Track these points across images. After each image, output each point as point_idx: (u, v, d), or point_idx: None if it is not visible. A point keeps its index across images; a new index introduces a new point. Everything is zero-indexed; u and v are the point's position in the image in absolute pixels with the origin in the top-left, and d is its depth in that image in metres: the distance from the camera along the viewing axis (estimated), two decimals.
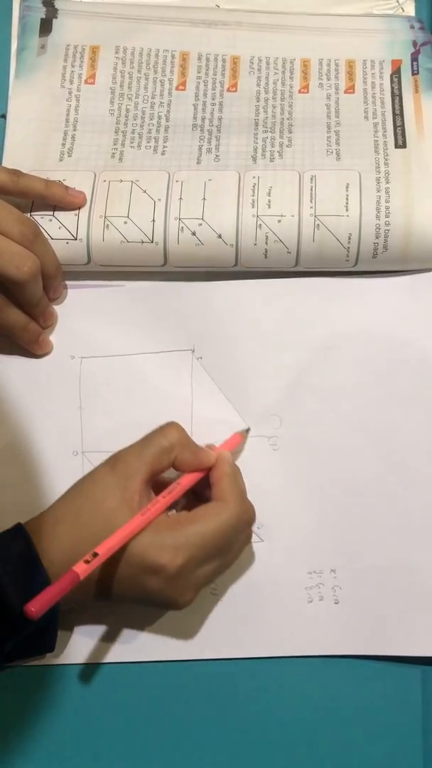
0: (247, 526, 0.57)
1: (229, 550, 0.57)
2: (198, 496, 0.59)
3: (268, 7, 0.73)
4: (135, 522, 0.53)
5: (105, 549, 0.51)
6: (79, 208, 0.64)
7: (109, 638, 0.60)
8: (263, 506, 0.61)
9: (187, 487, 0.57)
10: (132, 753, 0.58)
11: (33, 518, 0.56)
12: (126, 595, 0.54)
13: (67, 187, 0.64)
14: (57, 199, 0.64)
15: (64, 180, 0.65)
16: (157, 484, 0.57)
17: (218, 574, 0.58)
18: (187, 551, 0.53)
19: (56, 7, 0.73)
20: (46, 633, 0.55)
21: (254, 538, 0.61)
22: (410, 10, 0.74)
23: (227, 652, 0.60)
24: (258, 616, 0.60)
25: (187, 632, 0.60)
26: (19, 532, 0.54)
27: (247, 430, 0.63)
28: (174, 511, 0.59)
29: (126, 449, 0.57)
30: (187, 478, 0.57)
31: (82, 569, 0.50)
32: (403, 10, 0.73)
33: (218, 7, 0.74)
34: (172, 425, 0.58)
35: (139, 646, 0.60)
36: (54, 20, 0.72)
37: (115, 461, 0.56)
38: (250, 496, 0.60)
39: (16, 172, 0.63)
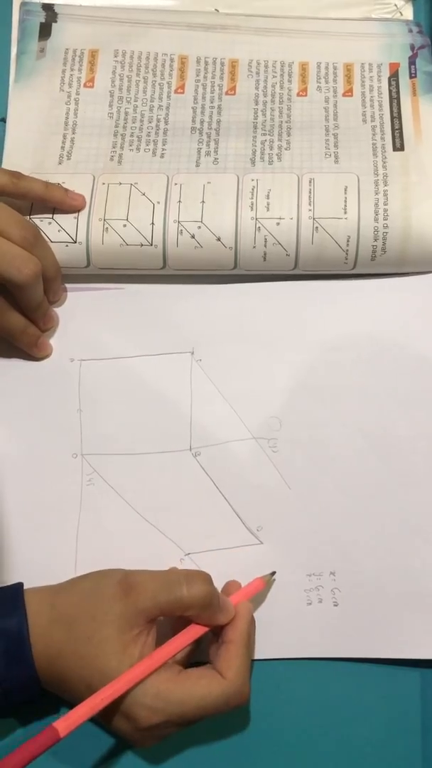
0: (234, 709, 0.53)
1: (205, 717, 0.53)
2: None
3: (266, 10, 0.73)
4: (125, 680, 0.51)
5: (89, 710, 0.50)
6: (79, 211, 0.64)
7: None
8: (262, 508, 0.61)
9: (189, 641, 0.54)
10: (131, 755, 0.58)
11: (29, 601, 0.54)
12: (96, 717, 0.52)
13: (66, 190, 0.64)
14: (57, 202, 0.64)
15: (63, 183, 0.65)
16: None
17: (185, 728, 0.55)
18: (162, 715, 0.51)
19: (56, 11, 0.73)
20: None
21: (253, 540, 0.61)
22: (408, 14, 0.74)
23: None
24: (257, 618, 0.59)
25: None
26: (17, 608, 0.53)
27: (273, 574, 0.60)
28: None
29: (144, 579, 0.53)
30: (192, 630, 0.55)
31: (64, 728, 0.49)
32: (402, 14, 0.74)
33: (217, 11, 0.74)
34: (201, 579, 0.54)
35: None
36: (53, 24, 0.72)
37: (128, 589, 0.53)
38: (249, 499, 0.61)
39: (16, 174, 0.63)
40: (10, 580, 0.57)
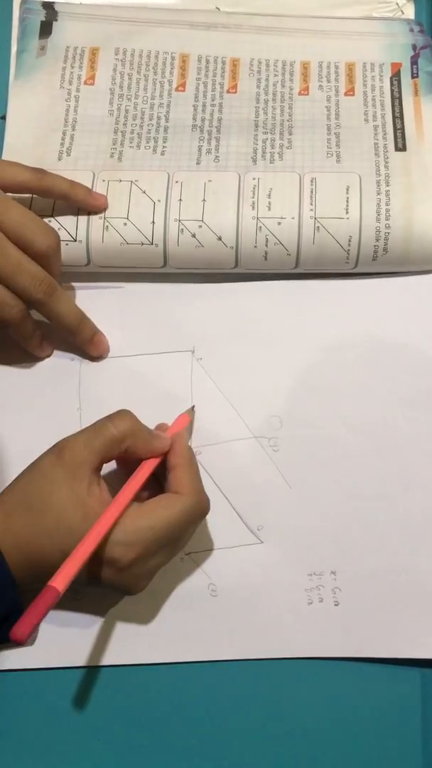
0: (200, 518, 0.57)
1: (181, 538, 0.57)
2: (158, 478, 0.59)
3: (268, 9, 0.73)
4: (99, 529, 0.52)
5: (76, 562, 0.50)
6: (101, 212, 0.64)
7: (106, 641, 0.60)
8: (263, 507, 0.61)
9: (145, 477, 0.56)
10: (131, 756, 0.58)
11: None
12: (86, 582, 0.54)
13: (90, 190, 0.64)
14: (80, 200, 0.63)
15: None
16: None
17: (171, 558, 0.58)
18: (138, 546, 0.53)
19: (56, 9, 0.73)
20: (11, 622, 0.53)
21: (254, 539, 0.61)
22: (410, 13, 0.74)
23: (226, 654, 0.60)
24: (257, 617, 0.60)
25: (186, 634, 0.60)
26: None
27: (193, 409, 0.63)
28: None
29: (73, 437, 0.55)
30: (144, 468, 0.57)
31: (60, 584, 0.49)
32: (403, 13, 0.74)
33: (218, 9, 0.74)
34: (123, 414, 0.56)
35: (136, 649, 0.60)
36: (54, 23, 0.72)
37: (61, 450, 0.54)
38: (250, 498, 0.61)
39: (40, 171, 0.62)
40: None
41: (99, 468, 0.55)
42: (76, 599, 0.60)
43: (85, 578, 0.53)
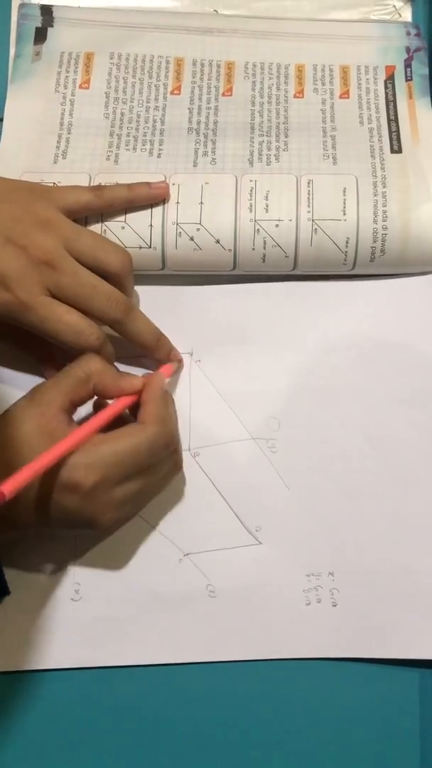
0: (165, 447, 0.57)
1: (150, 472, 0.57)
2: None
3: (266, 11, 0.74)
4: (62, 444, 0.52)
5: (30, 469, 0.50)
6: (165, 200, 0.64)
7: (104, 641, 0.59)
8: (261, 509, 0.61)
9: (115, 411, 0.57)
10: (130, 757, 0.58)
11: None
12: (52, 518, 0.54)
13: (148, 183, 0.64)
14: (143, 199, 0.64)
15: (59, 182, 0.65)
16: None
17: (143, 496, 0.59)
18: (100, 469, 0.53)
19: (54, 15, 0.73)
20: None
21: (252, 540, 0.61)
22: (407, 15, 0.74)
23: (224, 655, 0.59)
24: (255, 618, 0.60)
25: (184, 635, 0.60)
26: None
27: (180, 361, 0.64)
28: None
29: (44, 381, 0.57)
30: (115, 404, 0.58)
31: (8, 486, 0.48)
32: (400, 16, 0.74)
33: (216, 12, 0.74)
34: (89, 355, 0.58)
35: (134, 650, 0.59)
36: (49, 29, 0.72)
37: (32, 393, 0.56)
38: (248, 499, 0.61)
39: (98, 188, 0.63)
40: (11, 578, 0.57)
41: (69, 410, 0.56)
42: (74, 600, 0.60)
43: (49, 509, 0.53)
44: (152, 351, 0.63)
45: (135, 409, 0.59)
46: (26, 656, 0.59)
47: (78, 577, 0.60)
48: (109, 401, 0.59)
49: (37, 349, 0.63)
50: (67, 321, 0.58)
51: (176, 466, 0.61)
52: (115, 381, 0.57)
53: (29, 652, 0.59)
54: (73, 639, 0.59)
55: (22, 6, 0.73)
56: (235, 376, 0.64)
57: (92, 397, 0.57)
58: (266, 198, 0.64)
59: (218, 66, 0.72)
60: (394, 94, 0.70)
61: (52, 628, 0.59)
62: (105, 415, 0.56)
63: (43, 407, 0.55)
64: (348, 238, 0.63)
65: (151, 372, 0.63)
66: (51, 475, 0.52)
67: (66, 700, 0.59)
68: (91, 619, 0.60)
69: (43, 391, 0.56)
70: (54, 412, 0.55)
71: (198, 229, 0.63)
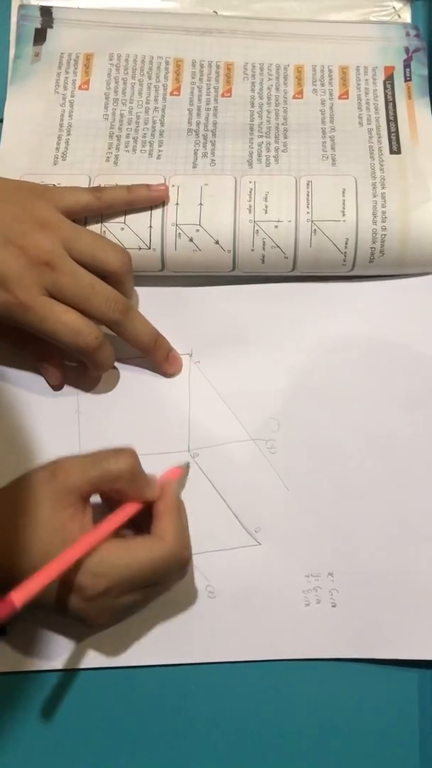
0: (178, 570, 0.57)
1: (157, 585, 0.57)
2: (137, 525, 0.58)
3: (265, 13, 0.74)
4: (74, 552, 0.51)
5: (42, 579, 0.50)
6: (165, 202, 0.64)
7: (104, 643, 0.59)
8: (261, 509, 0.61)
9: (128, 515, 0.56)
10: (129, 758, 0.58)
11: None
12: (47, 605, 0.53)
13: (148, 186, 0.64)
14: (143, 201, 0.64)
15: (58, 183, 0.65)
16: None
17: (142, 605, 0.58)
18: (109, 579, 0.52)
19: (53, 16, 0.73)
20: None
21: (251, 541, 0.61)
22: (407, 16, 0.74)
23: (224, 656, 0.59)
24: (255, 619, 0.60)
25: (184, 636, 0.60)
26: None
27: (187, 465, 0.62)
28: None
29: (71, 460, 0.55)
30: (129, 507, 0.56)
31: (19, 598, 0.48)
32: (400, 17, 0.74)
33: (216, 13, 0.74)
34: (127, 453, 0.56)
35: (134, 651, 0.59)
36: (48, 30, 0.72)
37: (54, 470, 0.54)
38: (247, 500, 0.61)
39: (97, 189, 0.63)
40: None
41: (88, 497, 0.55)
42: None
43: (53, 603, 0.53)
44: (150, 352, 0.63)
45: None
46: (26, 657, 0.59)
47: None
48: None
49: (36, 349, 0.63)
50: (65, 321, 0.58)
51: (183, 575, 0.60)
52: (141, 489, 0.56)
53: (29, 652, 0.59)
54: (73, 640, 0.59)
55: (21, 7, 0.74)
56: (235, 377, 0.64)
57: (112, 495, 0.56)
58: (265, 199, 0.64)
59: (217, 67, 0.72)
60: (393, 95, 0.70)
61: (52, 628, 0.59)
62: (120, 519, 0.55)
63: (64, 492, 0.53)
64: (347, 238, 0.63)
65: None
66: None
67: (66, 700, 0.59)
68: None
69: (67, 471, 0.54)
70: (73, 501, 0.53)
71: (197, 230, 0.63)
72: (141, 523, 0.57)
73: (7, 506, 0.54)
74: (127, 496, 0.56)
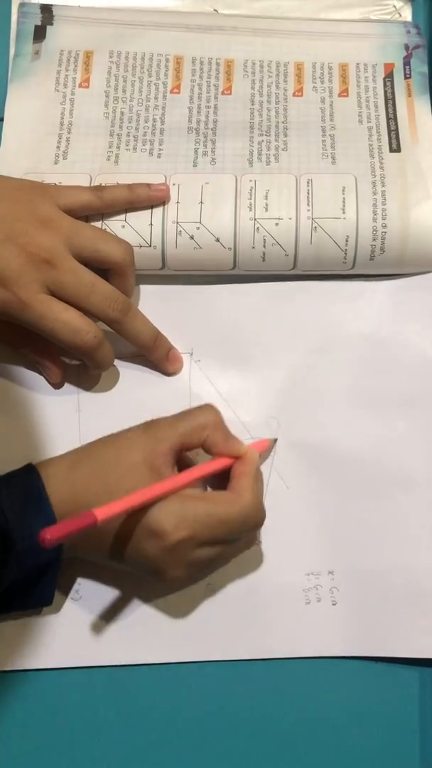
0: (255, 527, 0.57)
1: (231, 544, 0.57)
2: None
3: (266, 11, 0.74)
4: (161, 486, 0.53)
5: (126, 502, 0.51)
6: (165, 202, 0.64)
7: (103, 642, 0.59)
8: None
9: (214, 469, 0.57)
10: (129, 757, 0.58)
11: (48, 459, 0.57)
12: (126, 555, 0.54)
13: (149, 185, 0.64)
14: (144, 200, 0.64)
15: (60, 182, 0.65)
16: (181, 464, 0.57)
17: (215, 564, 0.59)
18: (191, 525, 0.53)
19: (53, 13, 0.73)
20: (45, 582, 0.55)
21: None
22: (407, 15, 0.74)
23: (224, 654, 0.59)
24: (255, 617, 0.60)
25: (184, 634, 0.60)
26: (30, 471, 0.54)
27: (275, 440, 0.63)
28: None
29: (161, 417, 0.57)
30: (215, 462, 0.57)
31: (102, 513, 0.49)
32: (400, 16, 0.74)
33: (216, 11, 0.74)
34: (210, 406, 0.58)
35: (135, 649, 0.59)
36: (48, 27, 0.72)
37: (148, 425, 0.57)
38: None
39: (98, 188, 0.63)
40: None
41: (178, 451, 0.56)
42: (74, 600, 0.60)
43: (126, 546, 0.54)
44: (150, 351, 0.63)
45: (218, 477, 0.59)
46: (26, 655, 0.59)
47: (78, 577, 0.60)
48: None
49: (34, 349, 0.63)
50: (64, 319, 0.58)
51: (251, 541, 0.61)
52: (225, 440, 0.57)
53: (29, 651, 0.59)
54: (73, 638, 0.59)
55: (22, 5, 0.73)
56: (235, 375, 0.64)
57: (200, 446, 0.57)
58: (266, 197, 0.64)
59: (217, 64, 0.72)
60: (393, 92, 0.70)
61: (52, 627, 0.59)
62: (207, 469, 0.57)
63: (156, 443, 0.55)
64: (348, 236, 0.63)
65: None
66: (140, 514, 0.53)
67: (66, 700, 0.59)
68: (91, 619, 0.60)
69: (159, 425, 0.56)
70: (164, 450, 0.55)
71: (198, 228, 0.63)
72: (219, 488, 0.59)
73: (95, 451, 0.56)
74: (214, 450, 0.57)
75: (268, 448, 0.62)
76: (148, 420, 0.57)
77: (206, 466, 0.57)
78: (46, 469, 0.54)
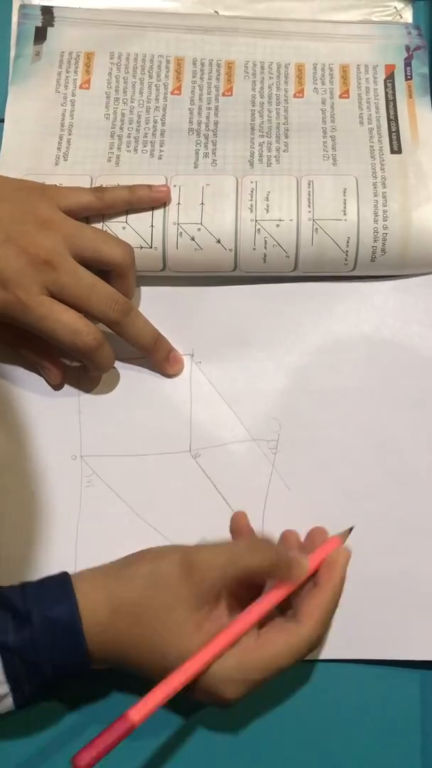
0: (311, 651, 0.53)
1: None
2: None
3: (267, 13, 0.74)
4: (204, 656, 0.49)
5: (164, 691, 0.48)
6: (166, 204, 0.64)
7: None
8: (262, 509, 0.61)
9: (273, 604, 0.53)
10: (128, 757, 0.58)
11: (84, 582, 0.52)
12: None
13: (150, 186, 0.64)
14: (144, 202, 0.64)
15: (60, 184, 0.65)
16: None
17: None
18: (251, 683, 0.50)
19: (54, 14, 0.73)
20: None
21: None
22: (408, 16, 0.74)
23: None
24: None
25: None
26: (67, 595, 0.51)
27: (350, 529, 0.58)
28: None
29: (206, 556, 0.52)
30: (273, 594, 0.53)
31: (138, 713, 0.46)
32: (401, 17, 0.74)
33: (217, 13, 0.74)
34: (265, 546, 0.54)
35: None
36: (49, 28, 0.72)
37: (191, 568, 0.51)
38: (249, 501, 0.61)
39: (99, 189, 0.63)
40: (9, 581, 0.57)
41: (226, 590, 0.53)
42: None
43: (183, 692, 0.50)
44: (151, 352, 0.63)
45: None
46: None
47: None
48: None
49: (33, 350, 0.63)
50: (64, 320, 0.58)
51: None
52: (287, 575, 0.53)
53: None
54: None
55: (22, 6, 0.73)
56: (236, 377, 0.64)
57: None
58: (267, 198, 0.64)
59: (218, 65, 0.72)
60: (393, 93, 0.70)
61: None
62: (266, 606, 0.52)
63: (202, 592, 0.51)
64: (349, 237, 0.63)
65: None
66: (199, 681, 0.50)
67: (65, 700, 0.59)
68: None
69: (205, 572, 0.51)
70: (211, 599, 0.52)
71: (199, 229, 0.63)
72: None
73: (137, 600, 0.51)
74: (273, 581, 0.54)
75: (338, 545, 0.57)
76: (191, 554, 0.52)
77: (266, 602, 0.52)
78: (84, 606, 0.50)
